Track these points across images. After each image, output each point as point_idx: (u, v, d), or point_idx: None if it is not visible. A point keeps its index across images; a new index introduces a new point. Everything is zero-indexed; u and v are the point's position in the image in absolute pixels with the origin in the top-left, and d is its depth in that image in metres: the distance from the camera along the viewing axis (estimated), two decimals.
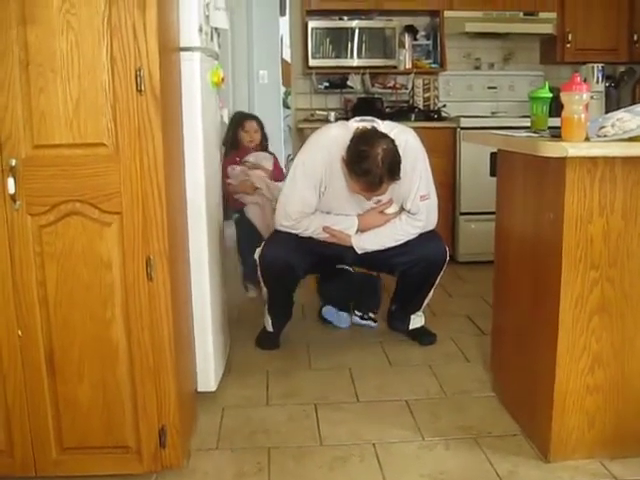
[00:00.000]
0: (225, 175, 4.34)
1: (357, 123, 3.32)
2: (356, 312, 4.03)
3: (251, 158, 4.70)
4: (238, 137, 4.77)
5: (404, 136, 3.30)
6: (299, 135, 5.75)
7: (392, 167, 3.08)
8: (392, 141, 3.12)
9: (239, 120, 4.82)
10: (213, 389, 2.99)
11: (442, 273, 3.57)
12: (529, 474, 2.42)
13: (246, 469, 2.49)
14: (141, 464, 2.36)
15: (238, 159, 4.69)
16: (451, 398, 3.05)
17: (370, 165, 3.05)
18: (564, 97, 2.26)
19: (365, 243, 3.45)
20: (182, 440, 2.42)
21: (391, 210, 3.46)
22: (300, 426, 2.79)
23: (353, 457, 2.56)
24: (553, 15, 5.59)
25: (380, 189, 3.17)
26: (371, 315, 3.99)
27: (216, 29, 3.12)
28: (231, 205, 4.59)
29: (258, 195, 4.59)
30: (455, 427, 2.77)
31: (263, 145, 4.86)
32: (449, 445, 2.63)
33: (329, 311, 4.10)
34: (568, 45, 5.68)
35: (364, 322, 3.99)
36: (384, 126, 3.31)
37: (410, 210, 3.42)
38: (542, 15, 5.59)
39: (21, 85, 2.07)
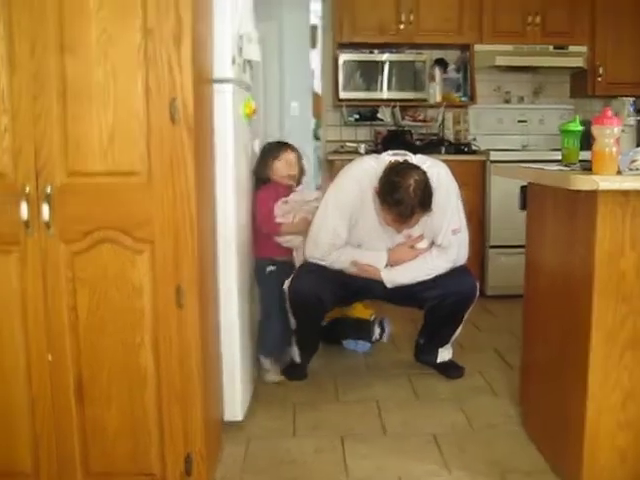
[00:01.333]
0: (264, 213, 3.52)
1: (389, 157, 3.34)
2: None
3: (296, 196, 3.68)
4: (269, 169, 3.60)
5: (436, 169, 3.31)
6: (329, 167, 5.77)
7: (424, 198, 3.09)
8: (424, 172, 3.13)
9: (273, 149, 3.67)
10: (239, 419, 2.99)
11: (472, 308, 3.55)
12: None
13: None
14: None
15: (277, 195, 3.62)
16: (478, 432, 3.02)
17: (402, 195, 3.06)
18: (595, 130, 2.26)
19: (395, 277, 3.45)
20: (207, 468, 2.42)
21: (422, 245, 3.45)
22: (326, 458, 2.77)
23: None
24: (584, 49, 5.60)
25: (411, 220, 3.18)
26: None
27: (249, 61, 3.16)
28: (263, 254, 3.61)
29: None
30: (482, 462, 2.73)
31: (299, 181, 3.81)
32: None
33: (348, 343, 4.21)
34: (599, 79, 5.68)
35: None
36: (416, 160, 3.32)
37: (441, 244, 3.41)
38: (572, 49, 5.60)
39: (58, 114, 2.12)
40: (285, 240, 3.64)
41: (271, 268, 3.60)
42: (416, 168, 3.16)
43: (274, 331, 3.59)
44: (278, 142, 3.83)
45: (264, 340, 3.61)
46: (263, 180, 3.60)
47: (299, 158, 3.76)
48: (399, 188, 3.07)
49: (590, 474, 2.39)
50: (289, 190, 3.68)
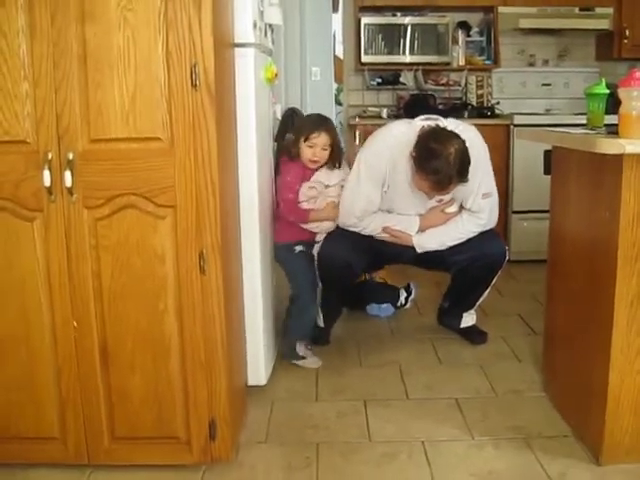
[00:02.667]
0: (291, 200, 3.37)
1: (422, 122, 3.29)
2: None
3: (322, 178, 3.43)
4: (298, 148, 3.36)
5: (468, 134, 3.26)
6: (351, 132, 5.74)
7: (462, 168, 3.05)
8: (463, 141, 3.07)
9: (307, 126, 3.39)
10: (263, 383, 3.02)
11: (500, 273, 3.53)
12: (580, 477, 2.38)
13: (294, 463, 2.51)
14: (191, 455, 2.39)
15: (302, 178, 3.40)
16: (502, 398, 3.02)
17: (441, 164, 3.01)
18: (622, 93, 2.22)
19: (426, 242, 3.43)
20: (232, 433, 2.44)
21: (452, 209, 3.43)
22: (349, 422, 2.79)
23: (401, 454, 2.56)
24: (609, 10, 5.49)
25: (447, 189, 3.15)
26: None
27: (270, 25, 3.14)
28: (287, 238, 3.44)
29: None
30: (505, 427, 2.74)
31: (334, 163, 3.44)
32: (499, 445, 2.61)
33: (372, 308, 4.20)
34: (625, 41, 5.57)
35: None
36: (448, 123, 3.28)
37: (471, 208, 3.38)
38: (598, 10, 5.49)
39: (79, 80, 2.11)
40: (314, 226, 3.47)
41: (300, 247, 3.45)
42: (456, 136, 3.10)
43: (309, 314, 3.50)
44: (317, 117, 3.50)
45: (297, 324, 3.46)
46: (290, 154, 3.38)
47: (334, 139, 3.40)
48: (439, 156, 3.01)
49: (612, 439, 2.39)
50: (314, 171, 3.42)
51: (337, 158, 3.43)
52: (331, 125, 3.47)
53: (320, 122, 3.42)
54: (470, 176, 3.16)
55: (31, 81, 2.12)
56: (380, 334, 3.87)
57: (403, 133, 3.27)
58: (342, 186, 3.42)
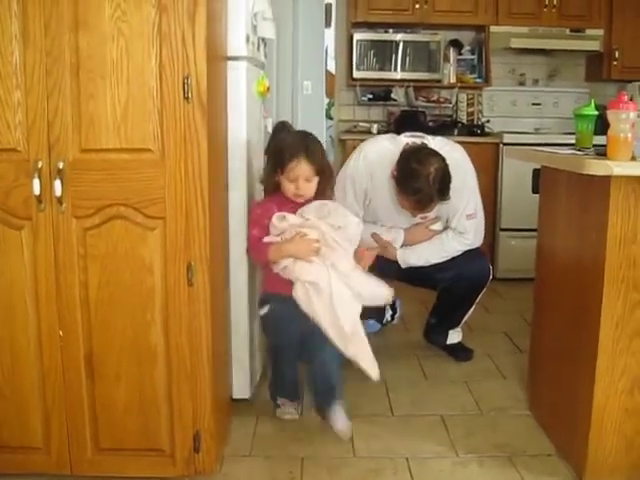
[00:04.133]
0: (253, 228, 2.71)
1: (407, 138, 3.31)
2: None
3: (311, 211, 2.68)
4: (276, 184, 2.74)
5: (454, 153, 3.28)
6: (341, 146, 5.75)
7: (443, 187, 3.06)
8: (444, 160, 3.09)
9: (282, 154, 2.67)
10: (248, 396, 3.01)
11: (484, 291, 3.55)
12: None
13: (278, 477, 2.50)
14: (174, 468, 2.38)
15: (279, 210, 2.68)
16: (486, 415, 3.02)
17: (422, 184, 3.03)
18: (611, 115, 2.24)
19: (410, 258, 3.44)
20: (216, 446, 2.44)
21: (437, 227, 3.44)
22: (334, 437, 2.78)
23: (386, 470, 2.55)
24: (600, 32, 5.54)
25: (429, 208, 3.17)
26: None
27: (263, 39, 3.15)
28: (269, 287, 2.83)
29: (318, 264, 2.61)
30: (490, 444, 2.74)
31: (325, 194, 2.77)
32: (483, 463, 2.61)
33: None
34: (615, 62, 5.62)
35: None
36: (434, 142, 3.30)
37: (456, 228, 3.40)
38: (588, 32, 5.54)
39: (71, 90, 2.12)
40: (281, 267, 2.65)
41: (265, 310, 2.76)
42: (436, 155, 3.11)
43: (284, 378, 2.97)
44: (294, 139, 2.72)
45: (275, 384, 3.01)
46: (271, 189, 2.76)
47: (320, 164, 2.67)
48: (419, 176, 3.03)
49: (595, 459, 2.40)
50: (301, 205, 2.71)
51: (327, 187, 2.75)
52: (312, 147, 2.67)
53: (297, 146, 2.64)
54: (455, 196, 3.18)
55: (23, 89, 2.12)
56: None
57: (387, 149, 3.29)
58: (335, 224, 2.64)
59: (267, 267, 2.74)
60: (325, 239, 2.61)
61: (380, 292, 2.73)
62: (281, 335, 2.80)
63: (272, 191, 2.75)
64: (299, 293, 2.57)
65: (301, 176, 2.63)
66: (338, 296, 2.54)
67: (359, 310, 2.62)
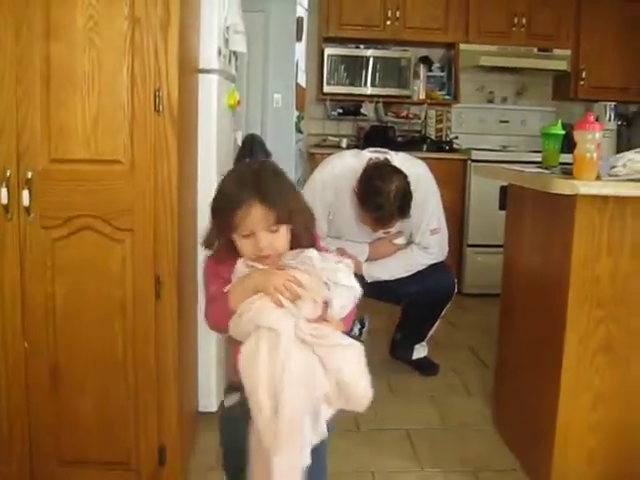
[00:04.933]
0: (217, 279, 1.76)
1: (371, 154, 3.34)
2: None
3: (289, 260, 1.73)
4: (228, 247, 1.77)
5: (416, 169, 3.32)
6: (310, 160, 5.77)
7: (403, 205, 3.11)
8: (405, 177, 3.13)
9: (222, 204, 1.71)
10: (214, 409, 2.99)
11: (448, 305, 3.57)
12: None
13: None
14: None
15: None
16: (451, 430, 3.04)
17: (382, 201, 3.06)
18: (577, 135, 2.28)
19: (375, 272, 3.46)
20: (181, 459, 2.42)
21: (400, 241, 3.47)
22: None
23: None
24: (567, 52, 5.64)
25: (389, 225, 3.21)
26: None
27: (234, 52, 3.16)
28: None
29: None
30: (455, 459, 2.76)
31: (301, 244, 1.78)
32: (448, 477, 2.62)
33: None
34: (582, 82, 5.72)
35: None
36: (397, 158, 3.33)
37: (420, 243, 3.43)
38: (556, 52, 5.63)
39: (41, 99, 2.10)
40: (235, 316, 1.65)
41: (234, 400, 1.82)
42: (397, 172, 3.15)
43: None
44: (238, 175, 1.77)
45: None
46: (217, 257, 1.80)
47: (284, 203, 1.69)
48: (380, 193, 3.07)
49: (559, 474, 2.42)
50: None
51: (304, 233, 1.79)
52: (268, 183, 1.69)
53: (243, 186, 1.68)
54: (417, 212, 3.22)
55: None
56: None
57: (351, 164, 3.31)
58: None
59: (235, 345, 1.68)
60: (314, 288, 1.65)
61: (363, 390, 1.80)
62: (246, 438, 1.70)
63: (216, 262, 1.78)
64: (247, 345, 1.61)
65: (258, 226, 1.66)
66: (296, 369, 1.58)
67: (317, 399, 1.68)
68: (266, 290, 1.62)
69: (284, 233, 1.72)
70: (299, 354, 1.59)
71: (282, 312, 1.62)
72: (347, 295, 1.72)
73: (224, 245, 1.77)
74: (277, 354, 1.58)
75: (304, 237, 1.79)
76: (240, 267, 1.75)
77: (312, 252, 1.72)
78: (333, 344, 1.63)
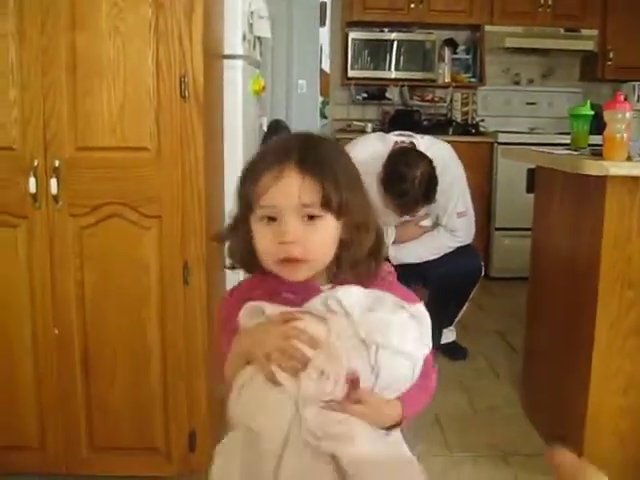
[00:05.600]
0: (227, 335, 1.24)
1: (396, 137, 3.32)
2: None
3: (318, 304, 1.15)
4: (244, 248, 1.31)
5: (442, 153, 3.30)
6: None
7: (428, 191, 3.09)
8: (430, 163, 3.11)
9: (249, 175, 1.21)
10: None
11: (476, 288, 3.56)
12: None
13: None
14: (170, 466, 2.37)
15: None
16: (480, 414, 3.03)
17: (407, 187, 3.05)
18: (607, 115, 2.25)
19: (402, 255, 3.45)
20: (211, 444, 2.43)
21: (427, 222, 3.46)
22: None
23: None
24: (594, 32, 5.56)
25: (414, 211, 3.19)
26: None
27: (259, 38, 3.14)
28: None
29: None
30: (484, 444, 2.75)
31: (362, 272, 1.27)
32: (477, 461, 2.62)
33: None
34: (609, 63, 5.64)
35: None
36: (423, 142, 3.31)
37: (447, 226, 3.41)
38: (583, 32, 5.55)
39: (67, 88, 2.11)
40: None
41: None
42: (423, 158, 3.13)
43: None
44: (277, 141, 1.27)
45: None
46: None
47: (335, 186, 1.16)
48: (404, 180, 3.06)
49: (590, 458, 2.37)
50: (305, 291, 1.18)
51: (365, 260, 1.24)
52: (314, 147, 1.22)
53: (281, 147, 1.21)
54: (444, 195, 3.20)
55: (19, 87, 2.11)
56: None
57: (376, 148, 3.30)
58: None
59: None
60: (331, 350, 1.08)
61: None
62: None
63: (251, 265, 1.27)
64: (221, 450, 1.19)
65: (287, 204, 1.15)
66: None
67: None
68: (254, 358, 1.14)
69: (327, 229, 1.15)
70: (299, 466, 0.99)
71: (274, 398, 1.06)
72: (400, 365, 1.12)
73: (246, 258, 1.23)
74: (259, 469, 1.01)
75: (360, 260, 1.19)
76: (243, 319, 1.20)
77: (352, 290, 1.13)
78: (360, 456, 0.97)
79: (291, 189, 1.12)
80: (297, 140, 1.20)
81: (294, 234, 1.12)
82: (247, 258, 1.23)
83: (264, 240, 1.15)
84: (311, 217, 1.14)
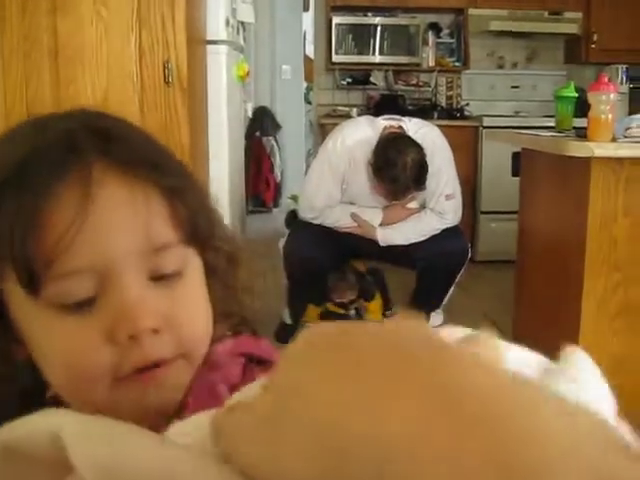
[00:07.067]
0: None
1: (385, 121, 3.32)
2: None
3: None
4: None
5: (431, 135, 3.31)
6: (320, 131, 5.74)
7: (419, 177, 3.10)
8: (421, 149, 3.11)
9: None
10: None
11: (463, 270, 3.56)
12: None
13: None
14: None
15: None
16: None
17: (397, 173, 3.06)
18: (591, 97, 2.25)
19: (390, 236, 3.45)
20: None
21: (414, 205, 3.46)
22: None
23: None
24: (578, 15, 5.55)
25: (404, 196, 3.20)
26: None
27: (242, 23, 3.13)
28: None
29: None
30: None
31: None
32: None
33: None
34: (593, 45, 5.64)
35: None
36: (411, 125, 3.31)
37: (435, 209, 3.42)
38: (567, 15, 5.54)
39: (50, 74, 2.09)
40: None
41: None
42: (413, 144, 3.14)
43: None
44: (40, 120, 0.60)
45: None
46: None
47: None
48: (395, 165, 3.06)
49: None
50: None
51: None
52: (115, 125, 0.62)
53: (44, 130, 0.56)
54: (432, 178, 3.20)
55: (0, 74, 2.09)
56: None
57: (365, 133, 3.29)
58: None
59: None
60: None
61: None
62: None
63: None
64: None
65: (122, 254, 0.52)
66: None
67: None
68: None
69: (195, 285, 0.58)
70: None
71: None
72: None
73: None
74: None
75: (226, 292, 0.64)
76: None
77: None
78: None
79: (120, 223, 0.52)
80: (73, 121, 0.57)
81: (155, 312, 0.52)
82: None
83: (80, 346, 0.52)
84: (162, 276, 0.54)
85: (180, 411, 0.54)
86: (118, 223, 0.51)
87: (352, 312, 3.66)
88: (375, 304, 3.62)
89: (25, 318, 0.53)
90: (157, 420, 0.50)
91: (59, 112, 0.59)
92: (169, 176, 0.55)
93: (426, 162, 3.12)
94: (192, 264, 0.57)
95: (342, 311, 3.62)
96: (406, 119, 3.36)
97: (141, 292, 0.51)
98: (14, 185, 0.50)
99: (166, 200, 0.53)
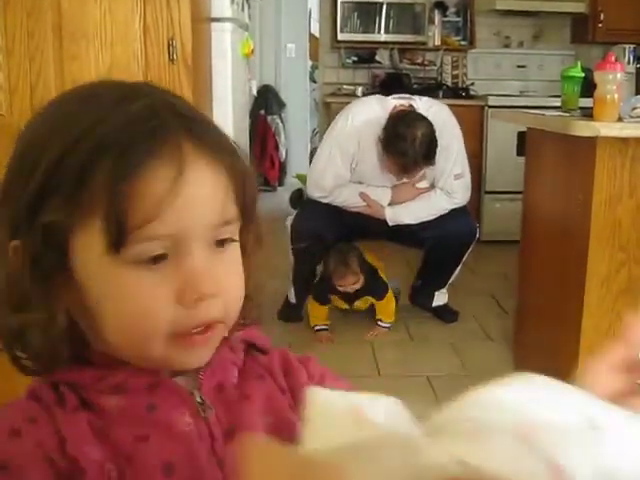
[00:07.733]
0: None
1: (395, 100, 3.32)
2: None
3: None
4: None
5: (441, 114, 3.32)
6: (325, 109, 5.72)
7: (428, 151, 3.10)
8: (430, 124, 3.12)
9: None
10: None
11: (470, 250, 3.57)
12: None
13: None
14: None
15: None
16: (473, 376, 3.05)
17: (407, 147, 3.06)
18: (598, 76, 2.24)
19: (398, 215, 3.45)
20: None
21: (423, 184, 3.46)
22: None
23: None
24: None
25: (414, 172, 3.20)
26: None
27: (247, 0, 3.12)
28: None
29: None
30: None
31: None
32: None
33: None
34: (600, 25, 5.60)
35: None
36: (422, 103, 3.32)
37: (444, 188, 3.42)
38: None
39: (54, 52, 2.09)
40: None
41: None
42: (422, 119, 3.15)
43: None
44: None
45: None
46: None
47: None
48: (404, 140, 3.07)
49: None
50: None
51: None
52: (192, 111, 0.65)
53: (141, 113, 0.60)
54: (442, 157, 3.20)
55: (4, 52, 2.08)
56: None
57: (375, 112, 3.30)
58: None
59: None
60: None
61: None
62: None
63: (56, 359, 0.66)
64: None
65: (196, 227, 0.61)
66: None
67: None
68: None
69: (237, 257, 0.67)
70: None
71: None
72: None
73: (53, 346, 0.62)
74: None
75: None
76: None
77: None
78: None
79: (203, 199, 0.61)
80: (150, 98, 0.62)
81: (215, 279, 0.61)
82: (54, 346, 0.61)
83: (150, 300, 0.59)
84: (220, 242, 0.63)
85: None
86: (202, 200, 0.60)
87: (362, 308, 3.62)
88: (385, 304, 3.55)
89: (97, 271, 0.59)
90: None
91: (126, 82, 0.67)
92: (240, 161, 0.65)
93: (435, 137, 3.12)
94: (235, 244, 0.66)
95: (346, 306, 3.59)
96: (416, 98, 3.36)
97: (206, 260, 0.61)
98: (113, 153, 0.57)
99: (237, 181, 0.63)
